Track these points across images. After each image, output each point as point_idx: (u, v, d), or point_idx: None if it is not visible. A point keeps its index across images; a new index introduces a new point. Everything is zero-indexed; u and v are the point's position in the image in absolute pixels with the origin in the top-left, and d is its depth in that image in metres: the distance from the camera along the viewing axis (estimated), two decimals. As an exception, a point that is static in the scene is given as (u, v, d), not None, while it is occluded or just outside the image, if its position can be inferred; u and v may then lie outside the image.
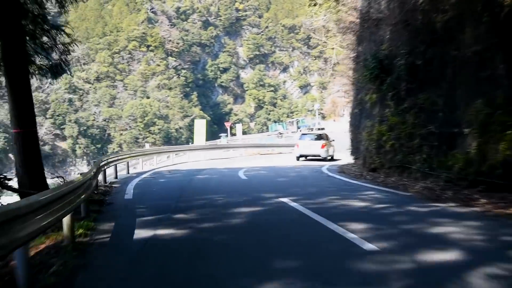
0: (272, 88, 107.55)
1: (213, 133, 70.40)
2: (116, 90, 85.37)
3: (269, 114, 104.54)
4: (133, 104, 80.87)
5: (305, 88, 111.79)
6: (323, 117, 77.84)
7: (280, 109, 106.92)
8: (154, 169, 19.19)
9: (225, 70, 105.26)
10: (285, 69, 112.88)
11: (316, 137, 20.89)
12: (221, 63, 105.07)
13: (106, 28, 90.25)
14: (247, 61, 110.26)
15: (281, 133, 39.39)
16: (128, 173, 17.08)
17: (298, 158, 20.56)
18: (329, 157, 20.37)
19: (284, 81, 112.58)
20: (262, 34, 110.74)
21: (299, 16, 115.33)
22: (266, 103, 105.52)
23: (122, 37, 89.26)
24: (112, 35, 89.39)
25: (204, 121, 45.18)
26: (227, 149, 31.76)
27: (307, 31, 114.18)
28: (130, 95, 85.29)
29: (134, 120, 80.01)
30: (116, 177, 14.50)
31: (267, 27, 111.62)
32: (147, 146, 40.66)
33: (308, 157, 20.67)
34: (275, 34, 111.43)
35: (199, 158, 26.68)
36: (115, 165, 14.83)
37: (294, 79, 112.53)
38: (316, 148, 19.87)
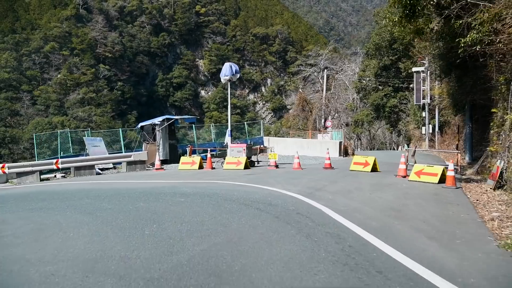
0: (238, 110, 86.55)
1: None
2: (20, 104, 63.01)
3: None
4: (38, 123, 58.32)
5: (279, 111, 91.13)
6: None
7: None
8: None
9: (179, 86, 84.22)
10: (255, 88, 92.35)
11: None
12: (175, 77, 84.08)
13: (17, 24, 68.54)
14: (209, 77, 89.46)
15: None
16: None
17: None
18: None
19: (255, 102, 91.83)
20: (228, 45, 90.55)
21: (275, 25, 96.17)
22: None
23: (38, 36, 67.52)
24: (24, 33, 67.64)
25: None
26: None
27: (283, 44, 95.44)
28: (41, 112, 62.90)
29: (40, 145, 57.11)
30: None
31: (234, 36, 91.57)
32: None
33: None
34: (244, 45, 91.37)
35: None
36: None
37: (265, 101, 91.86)
38: None
